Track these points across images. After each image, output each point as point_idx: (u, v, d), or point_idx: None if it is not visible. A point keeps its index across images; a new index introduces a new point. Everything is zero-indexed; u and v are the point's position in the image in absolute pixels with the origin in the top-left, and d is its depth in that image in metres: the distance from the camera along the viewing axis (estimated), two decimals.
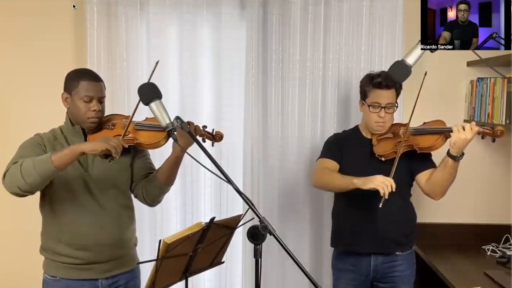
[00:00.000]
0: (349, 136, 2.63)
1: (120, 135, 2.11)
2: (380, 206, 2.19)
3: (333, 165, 2.52)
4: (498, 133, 2.21)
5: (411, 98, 2.82)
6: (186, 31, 2.98)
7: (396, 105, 2.49)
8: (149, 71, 2.91)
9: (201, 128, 2.19)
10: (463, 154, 2.28)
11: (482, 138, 2.28)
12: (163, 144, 2.18)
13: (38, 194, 2.15)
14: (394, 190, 2.18)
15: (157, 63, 2.05)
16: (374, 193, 2.27)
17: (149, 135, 2.17)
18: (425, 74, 2.32)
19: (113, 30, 2.95)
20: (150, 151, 2.34)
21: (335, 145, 2.59)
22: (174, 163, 2.18)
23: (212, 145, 2.27)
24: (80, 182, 2.12)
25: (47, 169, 1.90)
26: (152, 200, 2.28)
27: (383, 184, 2.18)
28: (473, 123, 2.22)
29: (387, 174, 2.28)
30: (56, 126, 2.21)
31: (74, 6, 2.99)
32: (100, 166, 2.15)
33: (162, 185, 2.22)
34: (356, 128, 2.65)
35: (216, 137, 2.26)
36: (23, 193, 1.95)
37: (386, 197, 2.17)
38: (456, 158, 2.27)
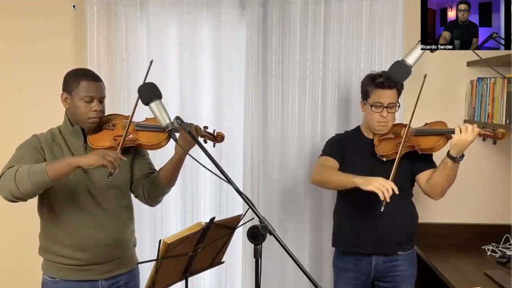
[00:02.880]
0: (351, 136, 2.63)
1: (121, 135, 2.10)
2: (382, 210, 2.16)
3: (334, 163, 2.51)
4: (500, 136, 2.22)
5: (412, 98, 2.82)
6: (186, 31, 2.98)
7: (398, 104, 2.49)
8: (150, 71, 2.95)
9: (202, 129, 2.19)
10: (463, 155, 2.28)
11: (483, 140, 2.28)
12: (164, 145, 2.18)
13: None
14: (396, 192, 2.15)
15: (151, 62, 2.04)
16: (375, 194, 2.27)
17: (150, 136, 2.17)
18: (425, 76, 2.32)
19: (113, 30, 2.95)
20: (150, 152, 2.34)
21: (337, 144, 2.60)
22: (176, 165, 2.18)
23: (214, 146, 2.28)
24: (80, 183, 2.12)
25: (41, 179, 1.89)
26: (153, 200, 2.28)
27: (383, 187, 2.14)
28: (475, 125, 2.22)
29: (388, 174, 2.28)
30: (55, 126, 2.21)
31: (74, 6, 2.99)
32: (100, 167, 2.14)
33: (163, 186, 2.22)
34: (358, 128, 2.65)
35: (217, 138, 2.26)
36: (15, 199, 1.94)
37: (388, 200, 2.14)
38: (455, 159, 2.27)
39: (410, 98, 2.86)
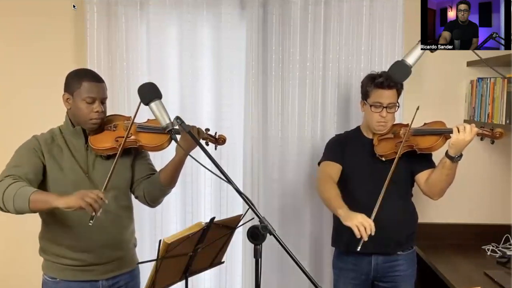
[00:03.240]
0: (350, 137, 2.63)
1: (122, 136, 2.10)
2: (358, 250, 2.14)
3: (336, 167, 2.51)
4: (497, 135, 2.22)
5: (411, 98, 2.84)
6: (186, 31, 2.98)
7: (398, 104, 2.49)
8: (150, 71, 2.95)
9: (204, 131, 2.19)
10: (461, 155, 2.28)
11: (481, 139, 2.29)
12: (166, 147, 2.17)
13: None
14: (372, 234, 2.14)
15: (140, 104, 1.98)
16: (375, 193, 2.27)
17: (152, 137, 2.16)
18: (417, 108, 2.34)
19: (113, 30, 2.95)
20: (150, 153, 2.33)
21: (337, 146, 2.59)
22: (177, 166, 2.17)
23: (215, 148, 2.26)
24: (80, 183, 2.10)
25: (23, 207, 1.90)
26: (153, 201, 2.28)
27: (360, 225, 2.13)
28: (473, 124, 2.22)
29: (387, 173, 2.29)
30: (55, 127, 2.20)
31: (74, 6, 2.99)
32: (101, 168, 2.14)
33: (164, 187, 2.21)
34: (358, 128, 2.65)
35: (219, 141, 2.25)
36: (1, 210, 1.96)
37: (365, 239, 2.13)
38: (453, 159, 2.28)
39: (409, 98, 2.87)
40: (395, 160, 2.32)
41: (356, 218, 2.17)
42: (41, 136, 2.14)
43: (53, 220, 2.12)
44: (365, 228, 2.13)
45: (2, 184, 1.94)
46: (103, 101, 2.13)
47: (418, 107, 2.35)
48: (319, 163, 2.62)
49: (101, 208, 1.83)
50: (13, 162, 2.05)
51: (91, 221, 1.85)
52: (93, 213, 1.81)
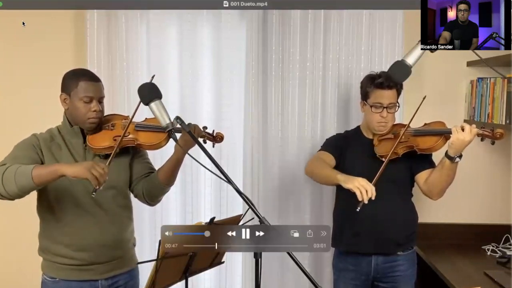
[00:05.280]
0: (351, 136, 2.63)
1: (120, 135, 2.10)
2: (358, 210, 2.15)
3: (330, 158, 2.52)
4: (498, 136, 2.22)
5: (412, 98, 2.83)
6: (186, 31, 2.98)
7: (398, 104, 2.49)
8: (149, 71, 2.95)
9: (202, 129, 2.19)
10: (460, 155, 2.28)
11: (482, 140, 2.29)
12: (164, 145, 2.18)
13: (35, 194, 2.14)
14: (373, 198, 2.13)
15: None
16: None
17: (150, 136, 2.17)
18: (424, 98, 2.33)
19: (113, 30, 2.95)
20: (150, 152, 2.33)
21: (337, 142, 2.60)
22: (175, 164, 2.18)
23: (213, 146, 2.28)
24: (79, 182, 2.10)
25: (26, 183, 1.88)
26: (152, 199, 2.28)
27: (362, 187, 2.13)
28: (473, 125, 2.22)
29: (387, 174, 2.29)
30: (54, 127, 2.20)
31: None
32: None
33: (162, 185, 2.22)
34: (358, 128, 2.65)
35: (216, 138, 2.27)
36: (1, 197, 1.94)
37: (366, 202, 2.13)
38: (453, 159, 2.27)
39: (410, 98, 2.86)
40: (388, 156, 2.32)
41: (357, 180, 2.16)
42: (40, 135, 2.15)
43: (51, 217, 2.13)
44: (366, 191, 2.12)
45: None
46: (100, 101, 2.14)
47: (425, 97, 2.33)
48: None
49: (103, 183, 1.86)
50: (11, 155, 2.05)
51: (93, 194, 1.89)
52: (97, 187, 1.86)
